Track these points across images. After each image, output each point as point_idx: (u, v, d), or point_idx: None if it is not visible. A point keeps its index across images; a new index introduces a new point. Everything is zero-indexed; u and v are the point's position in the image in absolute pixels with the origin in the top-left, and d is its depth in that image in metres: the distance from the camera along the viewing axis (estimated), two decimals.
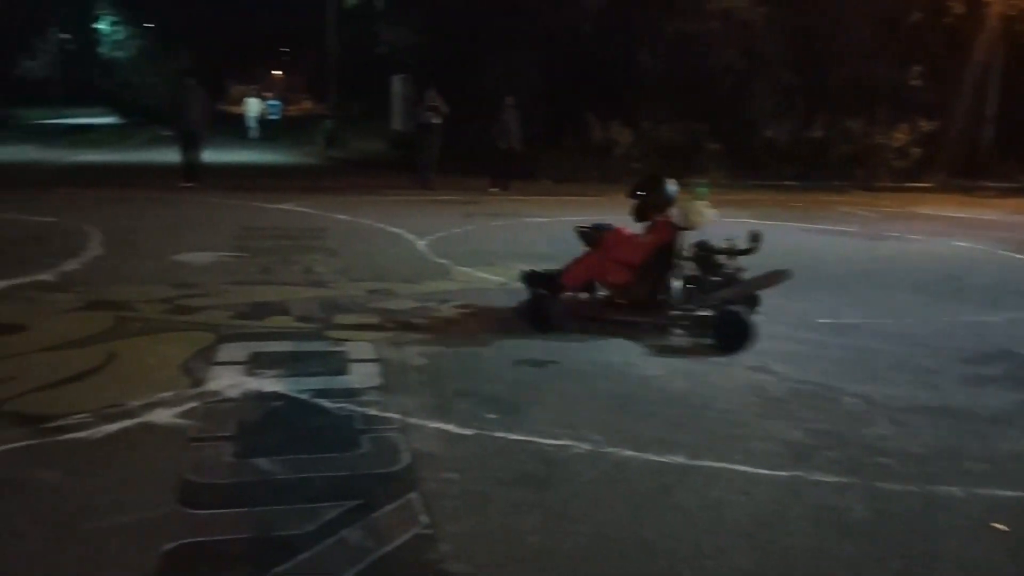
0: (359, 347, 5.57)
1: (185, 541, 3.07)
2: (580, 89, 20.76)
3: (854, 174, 20.36)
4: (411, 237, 10.27)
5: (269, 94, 39.50)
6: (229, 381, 4.80)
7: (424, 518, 3.28)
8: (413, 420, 4.30)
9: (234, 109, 38.94)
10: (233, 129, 30.21)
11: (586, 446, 4.03)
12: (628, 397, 4.79)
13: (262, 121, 33.10)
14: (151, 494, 3.43)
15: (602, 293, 6.44)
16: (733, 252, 6.20)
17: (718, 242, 6.26)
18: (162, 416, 4.27)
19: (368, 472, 3.70)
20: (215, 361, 5.15)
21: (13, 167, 19.30)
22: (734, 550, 3.16)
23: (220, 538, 3.10)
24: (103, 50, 49.73)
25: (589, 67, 20.69)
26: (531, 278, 6.48)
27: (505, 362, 5.36)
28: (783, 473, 3.82)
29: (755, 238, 6.05)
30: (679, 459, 3.93)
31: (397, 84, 24.38)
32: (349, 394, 4.66)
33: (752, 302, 6.31)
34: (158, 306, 6.47)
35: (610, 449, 4.00)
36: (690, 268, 6.22)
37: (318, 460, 3.80)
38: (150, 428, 4.13)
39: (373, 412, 4.40)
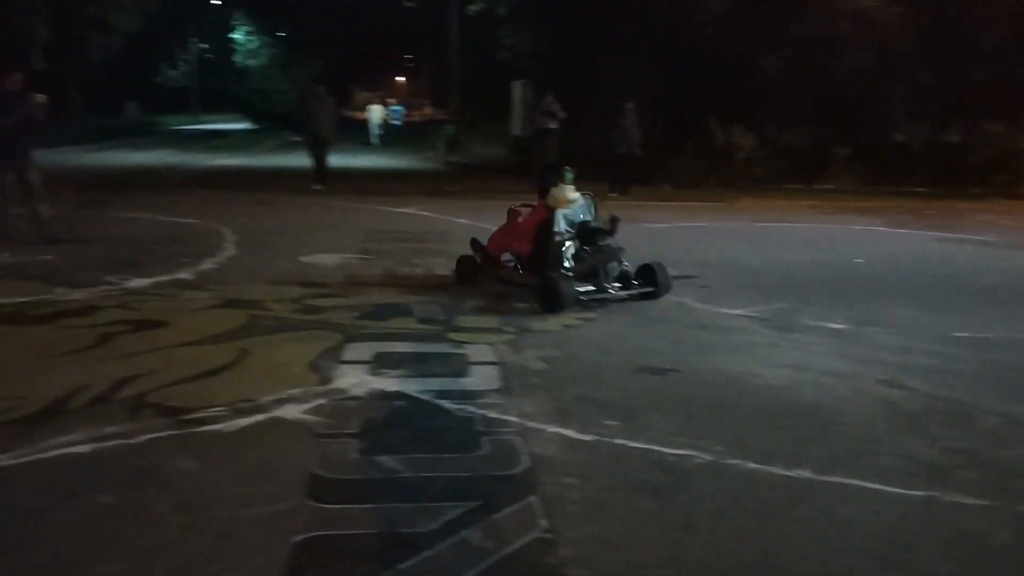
0: (479, 350, 5.63)
1: (314, 534, 3.17)
2: (701, 92, 20.46)
3: (993, 180, 19.32)
4: None
5: (392, 100, 40.39)
6: (355, 380, 4.93)
7: (544, 522, 3.29)
8: (532, 424, 4.32)
9: (358, 115, 39.97)
10: (358, 135, 31.02)
11: (708, 456, 3.96)
12: (752, 408, 4.68)
13: (385, 127, 33.44)
14: (282, 487, 3.55)
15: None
16: (591, 231, 7.32)
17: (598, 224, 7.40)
18: (291, 412, 4.42)
19: (488, 474, 3.74)
20: (341, 360, 5.30)
21: (155, 171, 20.40)
22: (863, 570, 3.04)
23: (347, 533, 3.19)
24: (238, 59, 51.96)
25: (711, 70, 20.36)
26: (473, 243, 8.02)
27: (625, 369, 5.33)
28: (917, 492, 3.66)
29: (613, 221, 7.36)
30: (806, 473, 3.81)
31: (517, 89, 24.57)
32: (469, 396, 4.72)
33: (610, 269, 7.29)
34: (288, 305, 6.71)
35: (733, 461, 3.92)
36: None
37: (439, 460, 3.87)
38: (280, 423, 4.29)
39: (493, 415, 4.45)
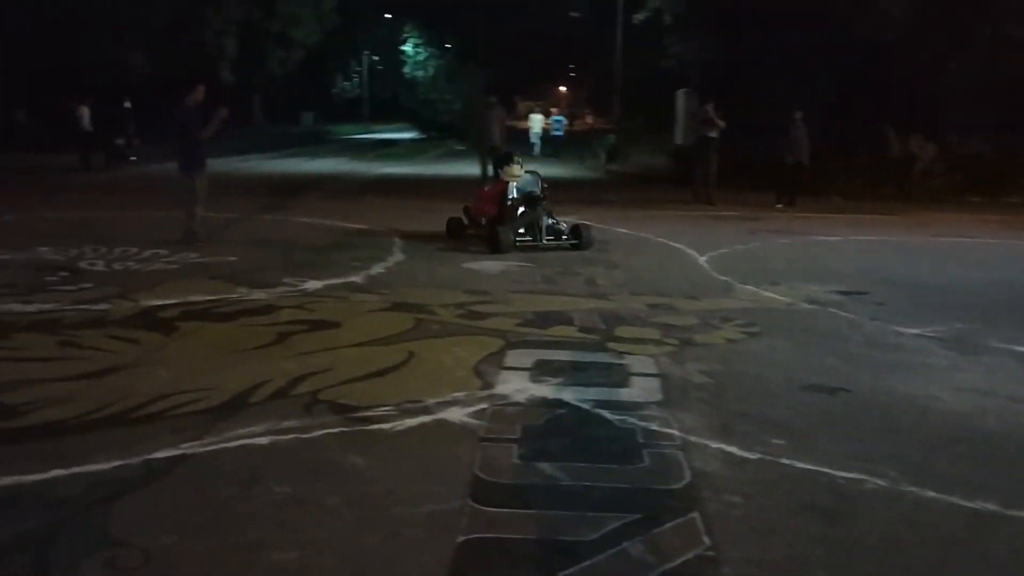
0: (640, 361, 5.59)
1: (478, 536, 3.23)
2: (876, 100, 19.56)
3: None
4: (692, 252, 10.17)
5: (555, 110, 40.58)
6: (516, 386, 5.00)
7: (706, 539, 3.23)
8: (694, 439, 4.25)
9: (520, 124, 40.46)
10: (519, 144, 31.45)
11: (882, 482, 3.77)
12: (931, 433, 4.43)
13: (546, 136, 33.33)
14: (446, 487, 3.64)
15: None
16: (532, 198, 10.37)
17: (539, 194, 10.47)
18: (455, 414, 4.53)
19: (649, 487, 3.70)
20: (503, 366, 5.39)
21: (328, 178, 21.37)
22: None
23: (509, 536, 3.24)
24: (407, 70, 53.78)
25: (888, 77, 19.43)
26: (464, 210, 10.90)
27: (792, 386, 5.16)
28: None
29: (544, 190, 10.63)
30: (990, 506, 3.57)
31: (681, 98, 24.25)
32: (630, 407, 4.69)
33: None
34: (452, 310, 6.88)
35: (910, 488, 3.72)
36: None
37: (600, 470, 3.86)
38: (444, 425, 4.40)
39: (654, 427, 4.40)
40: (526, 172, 10.66)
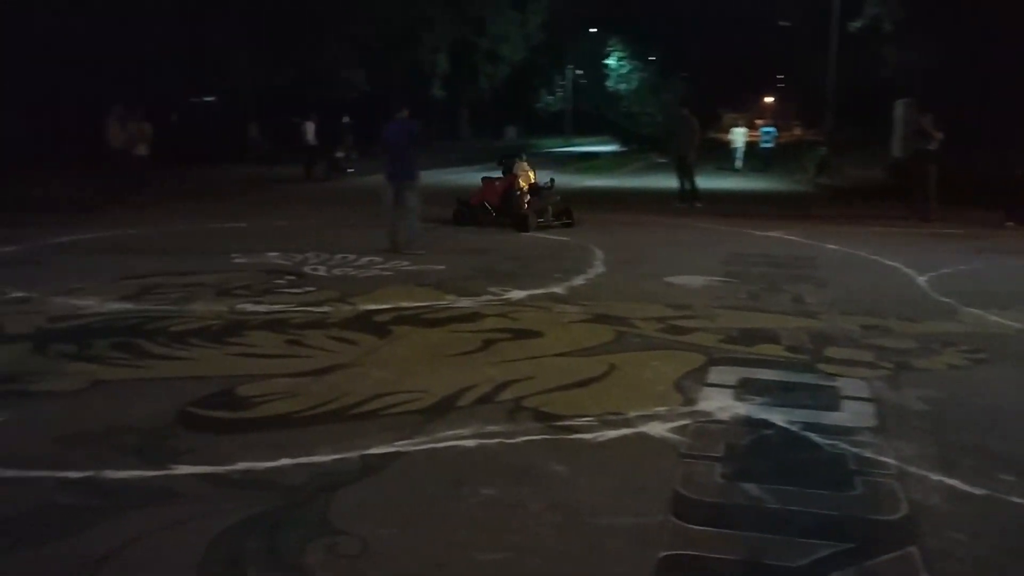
0: (852, 384, 5.34)
1: (679, 552, 3.21)
2: None
3: None
4: (909, 272, 9.59)
5: (760, 121, 39.35)
6: (719, 403, 4.91)
7: None
8: (912, 469, 4.02)
9: (724, 137, 39.53)
10: (723, 158, 30.73)
11: None
12: None
13: (753, 151, 31.42)
14: (646, 501, 3.64)
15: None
16: (539, 188, 13.68)
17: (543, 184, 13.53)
18: (656, 429, 4.51)
19: (862, 516, 3.53)
20: (706, 382, 5.31)
21: None
22: None
23: (711, 555, 3.19)
24: (609, 83, 53.97)
25: None
26: (460, 202, 13.63)
27: (1023, 419, 4.76)
28: None
29: (551, 182, 14.27)
30: None
31: (900, 109, 22.95)
32: (841, 432, 4.50)
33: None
34: (653, 324, 6.84)
35: None
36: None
37: (808, 495, 3.73)
38: (645, 439, 4.39)
39: (867, 454, 4.20)
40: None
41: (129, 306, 7.25)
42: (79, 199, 15.79)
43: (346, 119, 24.72)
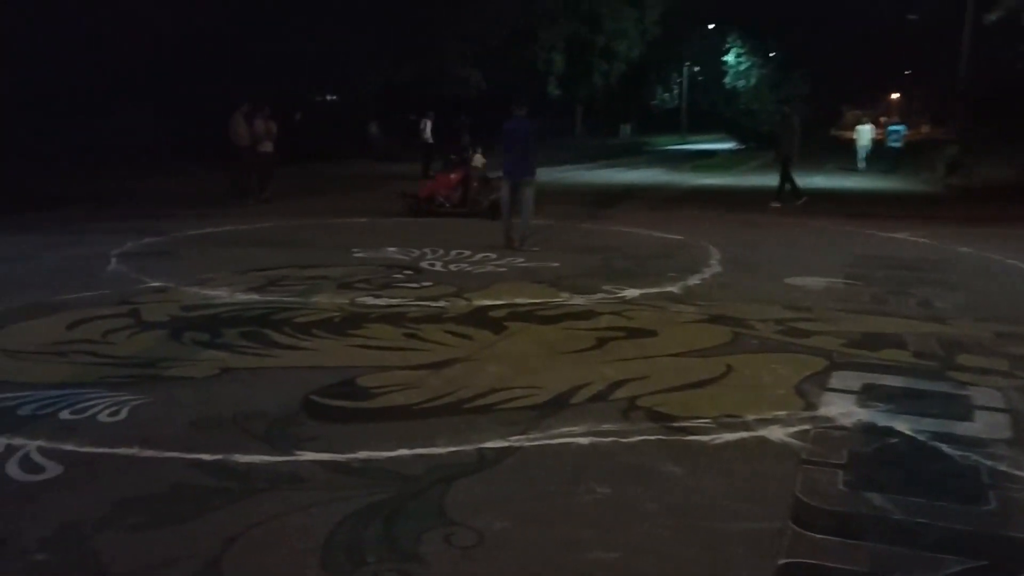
0: (985, 393, 5.10)
1: (799, 560, 3.13)
2: None
3: None
4: None
5: (883, 119, 37.72)
6: (841, 409, 4.77)
7: None
8: None
9: (846, 135, 38.13)
10: (845, 157, 29.73)
11: None
12: None
13: (879, 150, 29.21)
14: (766, 507, 3.56)
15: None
16: (487, 178, 14.14)
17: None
18: (776, 433, 4.40)
19: (997, 533, 3.37)
20: (827, 387, 5.16)
21: (644, 188, 21.62)
22: None
23: (834, 565, 3.10)
24: (727, 80, 53.00)
25: None
26: (405, 195, 14.44)
27: None
28: None
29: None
30: None
31: None
32: (973, 443, 4.30)
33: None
34: (772, 326, 6.69)
35: None
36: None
37: (937, 507, 3.58)
38: (764, 443, 4.30)
39: (1003, 468, 4.00)
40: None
41: (256, 297, 7.54)
42: (210, 194, 16.51)
43: (464, 117, 25.07)
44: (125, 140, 22.60)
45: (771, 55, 51.18)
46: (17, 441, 4.15)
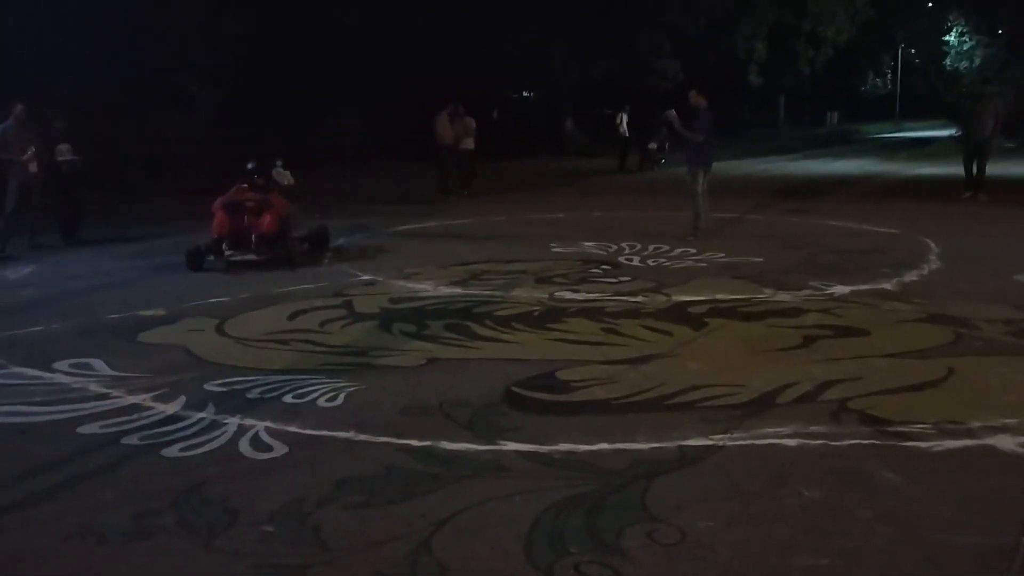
0: None
1: None
2: None
3: None
4: None
5: None
6: None
7: None
8: None
9: None
10: None
11: None
12: None
13: None
14: (992, 520, 3.31)
15: None
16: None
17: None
18: (1006, 442, 4.08)
19: None
20: None
21: (854, 179, 20.54)
22: None
23: None
24: (948, 62, 49.37)
25: None
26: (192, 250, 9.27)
27: None
28: None
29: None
30: None
31: None
32: None
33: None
34: (999, 327, 6.18)
35: None
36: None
37: None
38: (992, 452, 3.99)
39: None
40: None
41: (459, 290, 7.79)
42: (414, 192, 17.21)
43: (660, 110, 24.78)
44: (337, 141, 23.96)
45: (999, 32, 47.20)
46: (248, 422, 4.50)
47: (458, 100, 17.58)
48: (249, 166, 9.89)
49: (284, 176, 12.46)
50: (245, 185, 9.61)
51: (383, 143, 24.58)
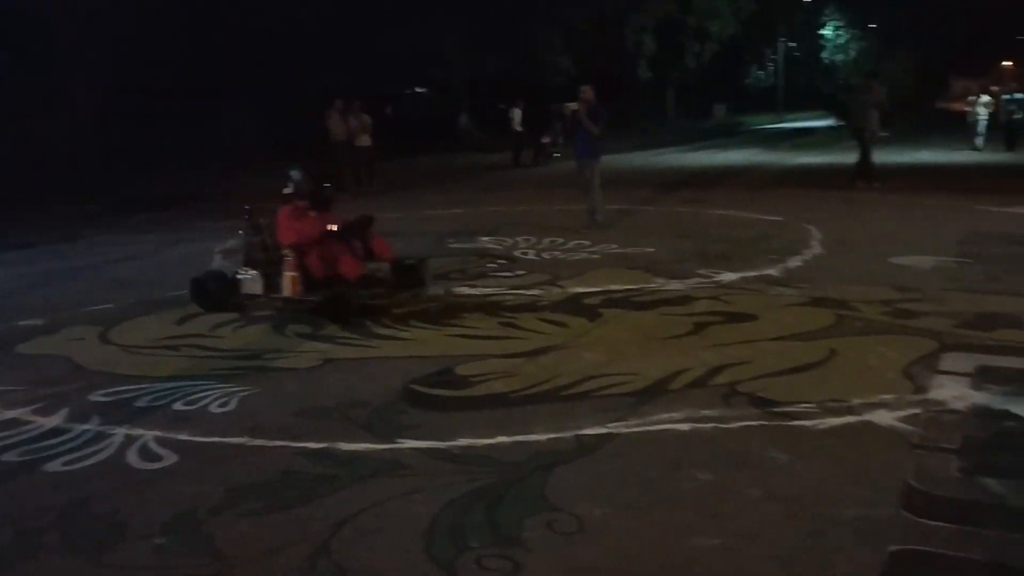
0: None
1: (911, 547, 3.04)
2: None
3: None
4: None
5: (996, 88, 35.51)
6: (953, 392, 4.59)
7: None
8: None
9: (954, 107, 36.24)
10: (954, 132, 28.33)
11: None
12: None
13: (1008, 123, 24.49)
14: (874, 493, 3.47)
15: None
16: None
17: None
18: (883, 418, 4.27)
19: None
20: (938, 369, 4.97)
21: (740, 169, 21.17)
22: None
23: (947, 553, 3.00)
24: (825, 55, 51.46)
25: None
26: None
27: None
28: None
29: None
30: None
31: None
32: None
33: None
34: (877, 308, 6.48)
35: None
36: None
37: None
38: (871, 428, 4.18)
39: None
40: None
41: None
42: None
43: (552, 105, 25.00)
44: (226, 141, 23.37)
45: (871, 27, 49.43)
46: (136, 431, 4.35)
47: (353, 97, 17.37)
48: (294, 175, 7.41)
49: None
50: (303, 203, 7.06)
51: (275, 142, 24.09)
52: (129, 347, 6.01)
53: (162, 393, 4.94)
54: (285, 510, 3.47)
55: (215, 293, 7.01)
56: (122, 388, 5.04)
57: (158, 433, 4.31)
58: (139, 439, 4.25)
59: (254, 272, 7.02)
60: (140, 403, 4.79)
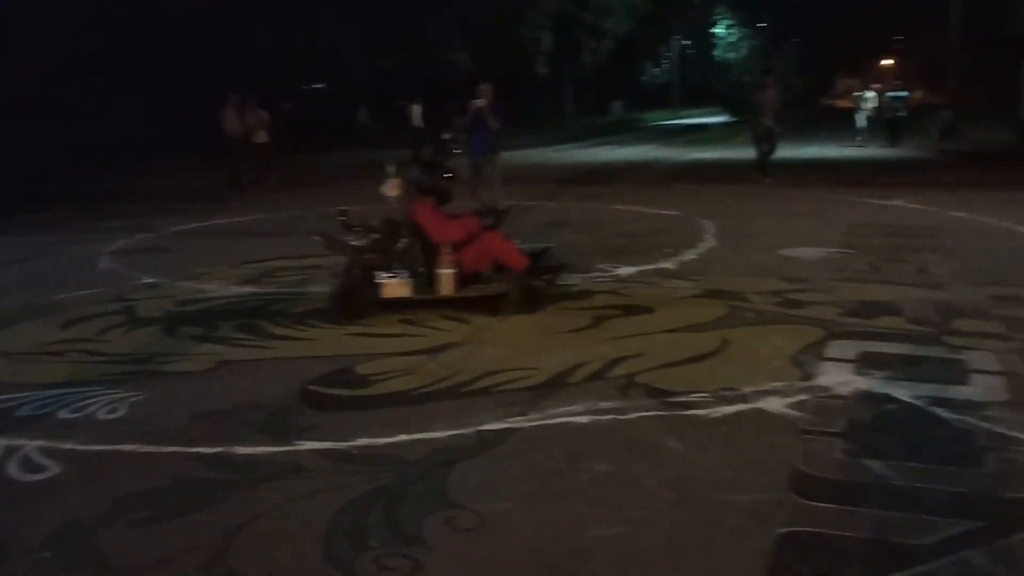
0: (981, 357, 5.11)
1: (799, 529, 3.15)
2: None
3: None
4: None
5: (878, 85, 37.10)
6: (839, 378, 4.78)
7: None
8: None
9: (841, 103, 37.79)
10: (840, 128, 29.55)
11: None
12: None
13: (883, 120, 25.24)
14: (765, 478, 3.58)
15: None
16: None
17: None
18: (774, 404, 4.42)
19: (994, 494, 3.39)
20: (824, 356, 5.17)
21: (637, 165, 21.57)
22: None
23: (834, 533, 3.12)
24: (717, 53, 52.82)
25: None
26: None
27: None
28: None
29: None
30: None
31: None
32: (969, 407, 4.31)
33: None
34: (768, 298, 6.69)
35: None
36: None
37: (934, 471, 3.60)
38: (762, 414, 4.31)
39: (999, 430, 4.01)
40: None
41: (251, 289, 7.54)
42: (203, 188, 16.46)
43: (453, 101, 24.99)
44: (115, 137, 22.53)
45: (760, 26, 50.99)
46: (17, 442, 4.16)
47: (249, 92, 16.98)
48: (390, 170, 7.18)
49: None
50: (431, 199, 6.93)
51: (169, 138, 23.35)
52: (9, 353, 5.74)
53: (46, 401, 4.73)
54: (178, 518, 3.37)
55: (367, 299, 6.47)
56: (2, 397, 4.81)
57: (41, 443, 4.13)
58: (20, 450, 4.06)
59: (398, 273, 6.60)
60: (21, 412, 4.58)
